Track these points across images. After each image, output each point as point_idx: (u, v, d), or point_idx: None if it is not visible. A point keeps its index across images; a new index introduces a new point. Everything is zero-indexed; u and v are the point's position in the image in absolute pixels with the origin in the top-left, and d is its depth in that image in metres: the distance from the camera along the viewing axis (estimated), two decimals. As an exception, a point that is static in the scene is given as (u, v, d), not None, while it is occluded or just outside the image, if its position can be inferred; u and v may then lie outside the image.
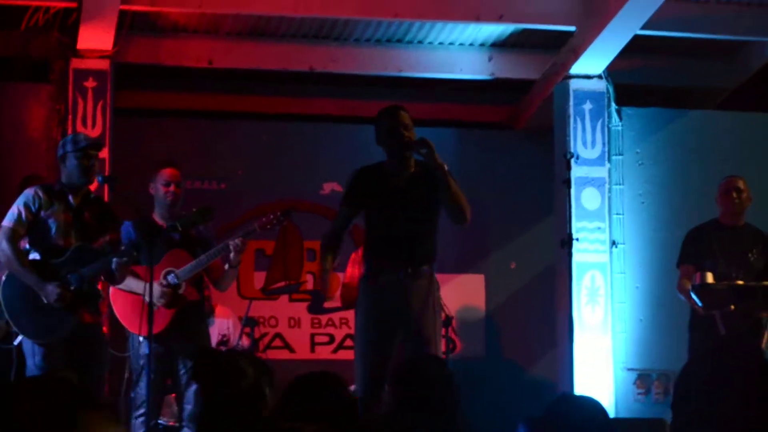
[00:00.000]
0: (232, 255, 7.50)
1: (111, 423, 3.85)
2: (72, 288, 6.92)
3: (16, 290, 6.96)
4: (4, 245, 6.92)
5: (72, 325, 6.95)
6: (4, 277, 7.07)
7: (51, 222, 6.99)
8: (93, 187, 7.51)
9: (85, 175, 7.06)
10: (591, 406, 4.25)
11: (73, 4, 9.09)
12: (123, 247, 7.00)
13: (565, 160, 8.79)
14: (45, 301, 6.88)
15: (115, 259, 6.94)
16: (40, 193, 7.03)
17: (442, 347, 7.49)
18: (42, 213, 6.98)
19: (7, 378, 7.34)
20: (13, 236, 6.94)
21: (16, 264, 6.92)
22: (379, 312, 6.91)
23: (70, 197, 7.06)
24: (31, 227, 6.99)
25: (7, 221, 6.98)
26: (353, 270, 8.89)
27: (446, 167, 6.86)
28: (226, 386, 4.13)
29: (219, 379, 4.20)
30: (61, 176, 7.15)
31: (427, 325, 6.89)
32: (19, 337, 7.01)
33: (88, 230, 7.07)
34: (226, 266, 7.64)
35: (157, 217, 7.72)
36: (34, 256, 7.00)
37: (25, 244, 7.04)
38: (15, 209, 7.00)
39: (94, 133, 9.14)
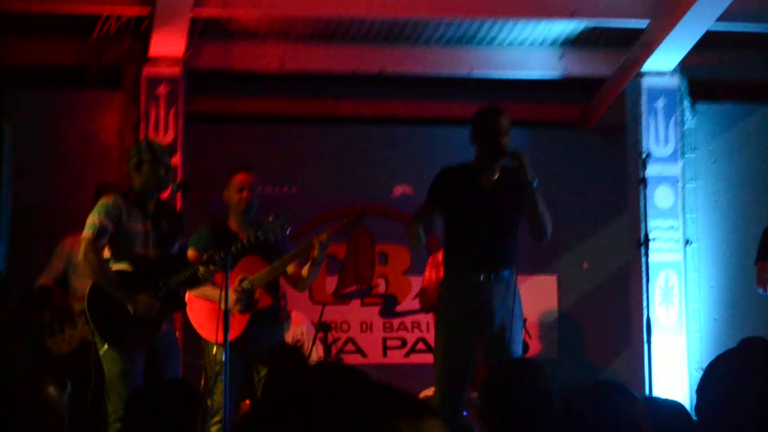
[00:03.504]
0: (317, 252, 7.51)
1: None
2: (160, 299, 6.94)
3: (102, 300, 6.93)
4: (90, 257, 6.88)
5: (155, 335, 6.97)
6: (89, 287, 7.03)
7: (131, 231, 6.97)
8: (166, 194, 7.55)
9: (158, 183, 7.05)
10: (675, 408, 4.22)
11: (145, 12, 9.14)
12: (206, 256, 7.03)
13: (640, 159, 8.72)
14: (132, 312, 6.87)
15: (201, 268, 6.98)
16: (120, 203, 7.01)
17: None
18: (122, 222, 6.95)
19: (87, 387, 7.41)
20: (96, 247, 6.90)
21: (101, 276, 6.90)
22: (460, 316, 6.85)
23: (146, 206, 7.06)
24: (112, 237, 6.95)
25: (89, 232, 6.92)
26: (431, 273, 8.88)
27: (535, 185, 6.79)
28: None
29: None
30: (134, 183, 7.11)
31: (508, 329, 6.84)
32: (105, 347, 6.99)
33: (163, 238, 7.08)
34: (304, 268, 7.66)
35: (233, 224, 7.77)
36: (119, 266, 6.98)
37: (107, 254, 7.00)
38: (96, 220, 6.94)
39: (167, 139, 9.19)
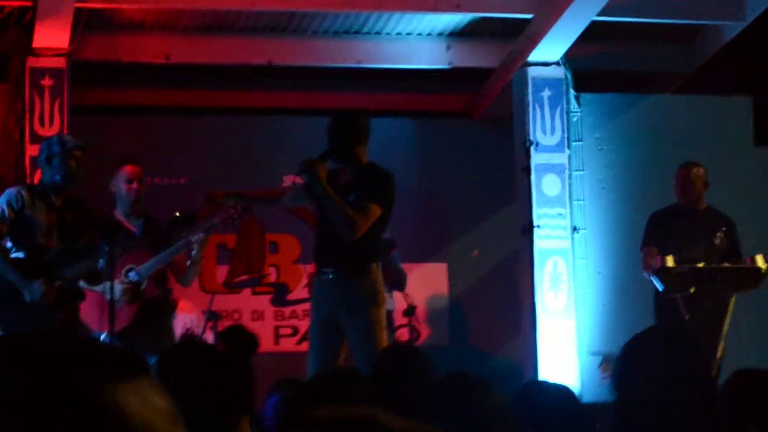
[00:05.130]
0: (194, 251, 7.52)
1: None
2: (56, 286, 6.92)
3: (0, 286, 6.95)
4: None
5: (54, 324, 6.95)
6: None
7: (34, 221, 7.00)
8: None
9: (69, 177, 7.07)
10: (561, 392, 4.25)
11: (28, 3, 9.04)
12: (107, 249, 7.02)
13: (524, 147, 8.85)
14: (28, 299, 6.87)
15: (102, 261, 6.96)
16: (23, 192, 7.06)
17: (387, 338, 7.34)
18: (25, 212, 6.99)
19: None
20: None
21: None
22: (318, 309, 6.99)
23: (53, 198, 7.08)
24: (13, 226, 6.98)
25: None
26: None
27: (321, 186, 6.75)
28: None
29: None
30: (44, 177, 7.15)
31: (364, 320, 6.82)
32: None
33: (69, 231, 7.10)
34: (189, 262, 7.66)
35: (119, 215, 7.73)
36: (18, 255, 7.01)
37: (8, 243, 7.04)
38: None
39: (52, 131, 9.09)
